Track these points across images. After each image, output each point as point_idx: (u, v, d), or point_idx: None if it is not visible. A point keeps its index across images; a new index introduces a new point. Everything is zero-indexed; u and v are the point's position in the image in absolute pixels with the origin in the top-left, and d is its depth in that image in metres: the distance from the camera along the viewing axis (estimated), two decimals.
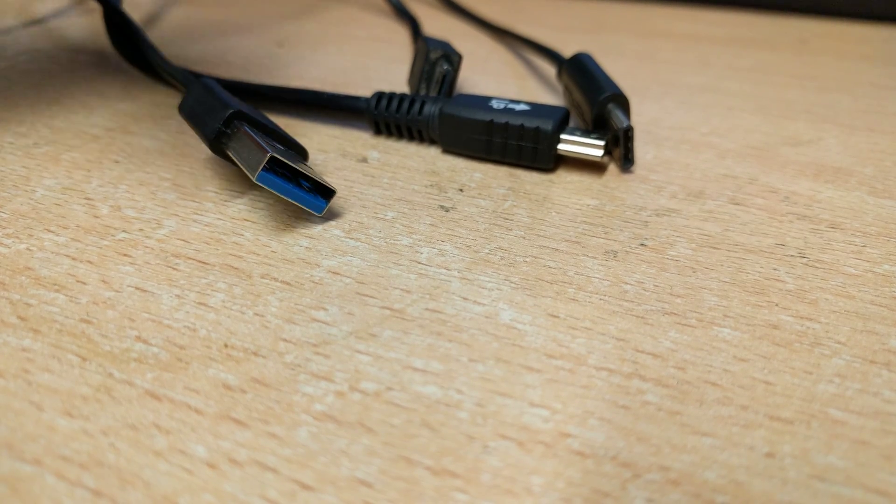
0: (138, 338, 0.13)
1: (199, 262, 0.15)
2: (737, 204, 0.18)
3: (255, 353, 0.13)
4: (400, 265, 0.15)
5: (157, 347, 0.13)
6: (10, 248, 0.16)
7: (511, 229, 0.17)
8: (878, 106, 0.25)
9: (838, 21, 0.36)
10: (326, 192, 0.17)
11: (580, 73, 0.22)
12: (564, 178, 0.19)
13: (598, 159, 0.19)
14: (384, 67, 0.29)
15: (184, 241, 0.16)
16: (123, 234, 0.16)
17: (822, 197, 0.18)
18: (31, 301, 0.14)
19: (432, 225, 0.17)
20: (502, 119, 0.19)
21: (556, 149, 0.19)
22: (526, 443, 0.11)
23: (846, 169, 0.20)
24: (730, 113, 0.24)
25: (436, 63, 0.22)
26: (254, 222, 0.17)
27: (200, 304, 0.14)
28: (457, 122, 0.20)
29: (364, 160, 0.20)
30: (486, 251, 0.16)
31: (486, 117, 0.19)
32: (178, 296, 0.14)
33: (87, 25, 0.34)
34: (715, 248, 0.16)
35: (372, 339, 0.13)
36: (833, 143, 0.22)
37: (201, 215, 0.17)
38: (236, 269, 0.15)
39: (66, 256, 0.15)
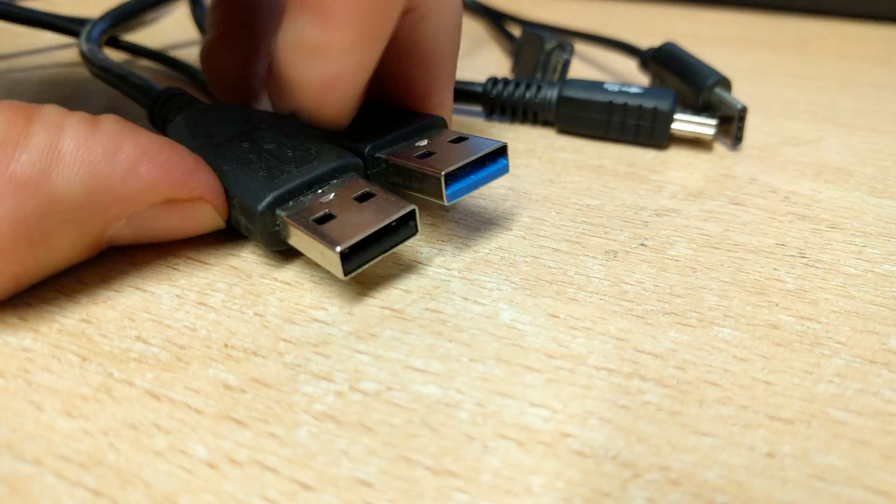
0: (138, 338, 0.13)
1: (199, 262, 0.15)
2: (737, 204, 0.18)
3: (255, 353, 0.13)
4: (400, 265, 0.15)
5: (157, 347, 0.13)
6: None
7: (511, 229, 0.17)
8: (878, 106, 0.25)
9: (838, 21, 0.36)
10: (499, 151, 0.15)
11: (675, 61, 0.24)
12: (564, 179, 0.19)
13: (710, 137, 0.21)
14: None
15: (184, 240, 0.16)
16: None
17: (823, 197, 0.18)
18: (31, 301, 0.14)
19: (432, 225, 0.17)
20: (621, 100, 0.21)
21: (671, 128, 0.21)
22: (526, 443, 0.11)
23: (846, 169, 0.20)
24: None
25: (551, 52, 0.24)
26: None
27: (200, 303, 0.14)
28: (577, 103, 0.22)
29: None
30: (486, 251, 0.16)
31: (606, 99, 0.21)
32: (178, 296, 0.14)
33: None
34: (715, 248, 0.16)
35: (372, 339, 0.13)
36: (833, 143, 0.22)
37: None
38: (236, 269, 0.15)
39: None
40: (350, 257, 0.13)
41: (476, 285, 0.15)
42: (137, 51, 0.27)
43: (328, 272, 0.15)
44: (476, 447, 0.11)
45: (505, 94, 0.23)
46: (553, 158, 0.21)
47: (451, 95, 0.17)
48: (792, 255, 0.16)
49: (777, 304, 0.14)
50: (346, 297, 0.14)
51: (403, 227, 0.14)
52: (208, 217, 0.15)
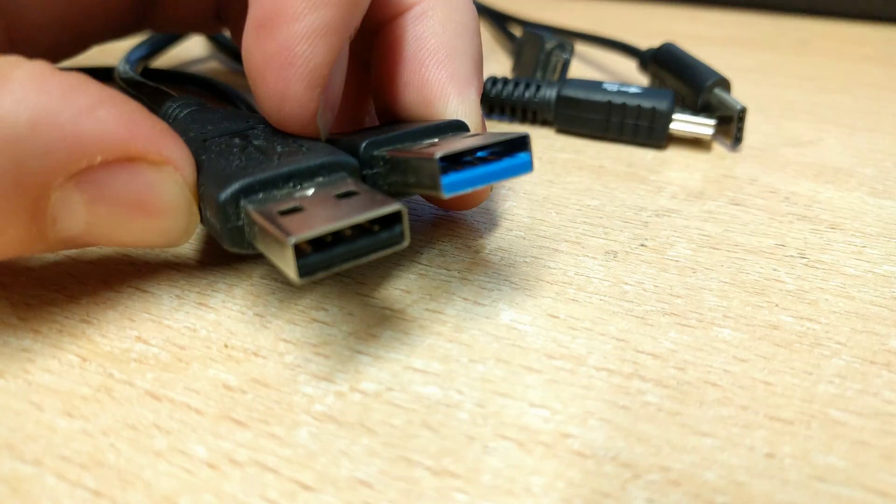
0: (138, 338, 0.13)
1: (199, 262, 0.15)
2: (737, 204, 0.18)
3: (256, 354, 0.13)
4: (400, 265, 0.15)
5: (158, 348, 0.13)
6: None
7: (511, 229, 0.17)
8: (878, 106, 0.25)
9: (838, 21, 0.36)
10: (516, 143, 0.13)
11: (674, 61, 0.24)
12: (564, 179, 0.19)
13: (709, 137, 0.21)
14: None
15: None
16: None
17: (823, 197, 0.18)
18: (31, 301, 0.14)
19: (433, 225, 0.17)
20: (620, 100, 0.21)
21: (670, 128, 0.21)
22: (526, 443, 0.11)
23: (846, 169, 0.20)
24: None
25: (551, 52, 0.24)
26: None
27: (200, 304, 0.14)
28: (576, 103, 0.22)
29: None
30: (487, 252, 0.16)
31: (605, 98, 0.21)
32: (178, 296, 0.14)
33: None
34: (715, 248, 0.16)
35: (372, 340, 0.13)
36: (833, 144, 0.22)
37: None
38: (236, 269, 0.15)
39: (66, 256, 0.15)
40: (309, 256, 0.11)
41: (476, 286, 0.15)
42: (173, 78, 0.27)
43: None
44: (476, 448, 0.11)
45: (505, 93, 0.23)
46: (553, 158, 0.21)
47: (474, 102, 0.15)
48: (792, 256, 0.16)
49: (777, 305, 0.14)
50: (346, 297, 0.14)
51: (387, 233, 0.11)
52: (175, 193, 0.13)
